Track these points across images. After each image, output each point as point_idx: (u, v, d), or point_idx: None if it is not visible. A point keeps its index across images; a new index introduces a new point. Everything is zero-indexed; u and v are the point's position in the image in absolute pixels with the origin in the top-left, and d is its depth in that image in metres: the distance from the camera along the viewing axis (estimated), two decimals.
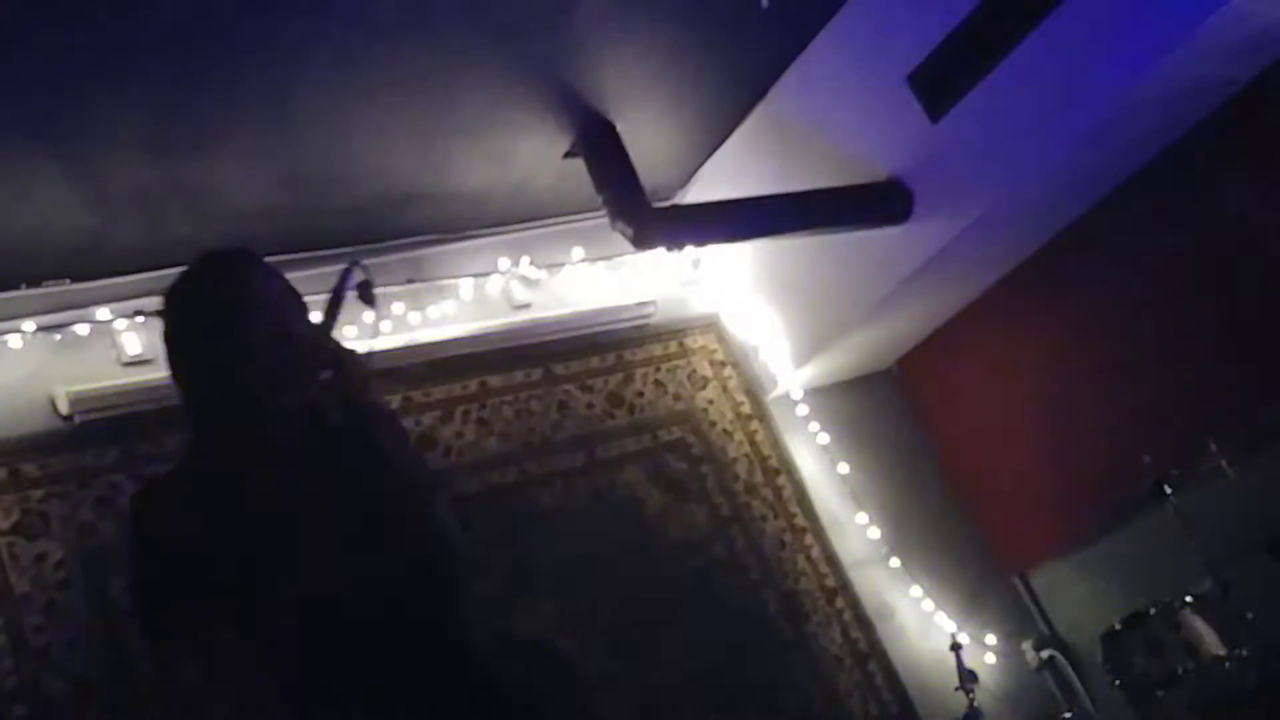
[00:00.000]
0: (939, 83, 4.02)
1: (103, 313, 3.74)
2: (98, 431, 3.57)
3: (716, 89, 4.33)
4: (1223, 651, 3.58)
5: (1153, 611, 3.67)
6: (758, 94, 4.47)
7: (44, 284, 3.67)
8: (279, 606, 1.87)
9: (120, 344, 3.74)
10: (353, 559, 1.90)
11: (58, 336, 3.67)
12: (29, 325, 3.63)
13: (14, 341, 3.61)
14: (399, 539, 1.91)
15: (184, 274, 2.10)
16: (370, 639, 1.86)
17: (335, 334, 2.09)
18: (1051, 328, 4.56)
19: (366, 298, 2.04)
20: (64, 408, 3.56)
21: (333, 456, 1.96)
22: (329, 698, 1.88)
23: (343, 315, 2.08)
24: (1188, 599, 3.65)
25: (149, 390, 3.65)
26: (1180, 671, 3.57)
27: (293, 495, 1.91)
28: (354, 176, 3.90)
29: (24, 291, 3.64)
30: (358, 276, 2.06)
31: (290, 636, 1.88)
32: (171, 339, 2.04)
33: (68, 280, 3.70)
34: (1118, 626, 3.73)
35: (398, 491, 1.93)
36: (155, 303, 3.71)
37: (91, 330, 3.72)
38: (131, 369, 3.72)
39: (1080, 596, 4.59)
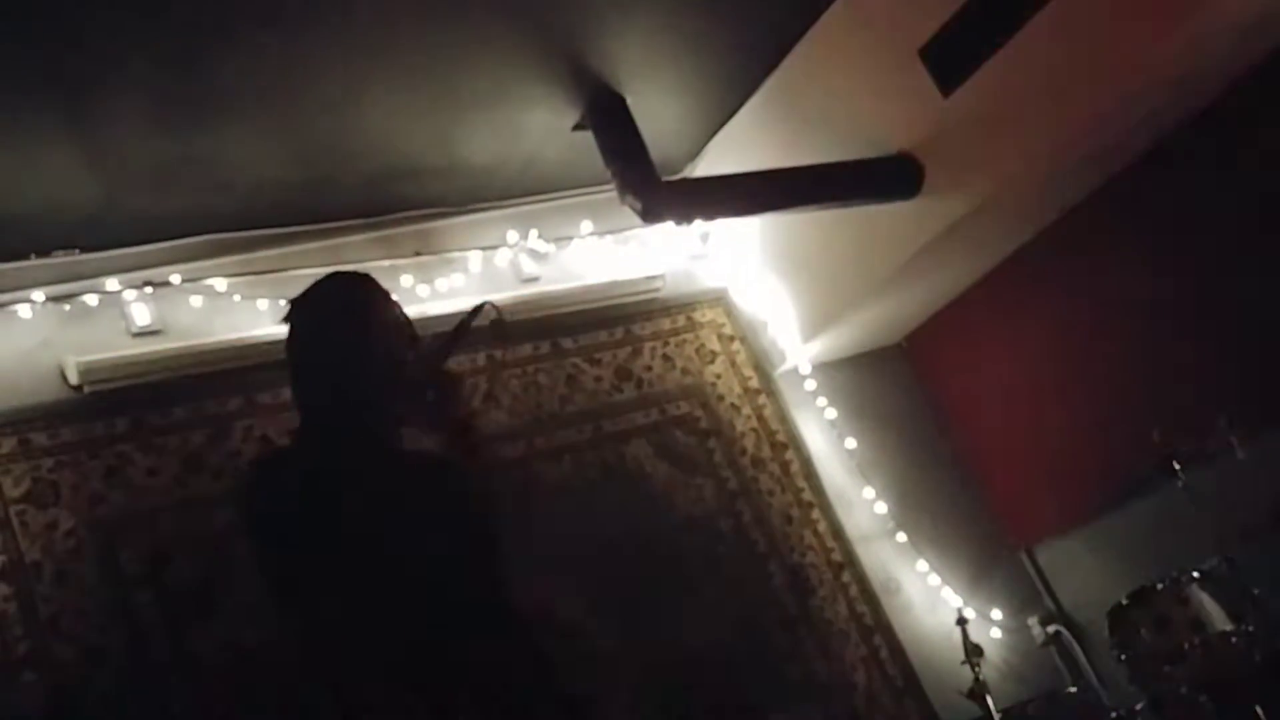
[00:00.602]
0: (951, 57, 4.00)
1: (112, 283, 3.75)
2: (107, 402, 3.58)
3: (727, 62, 4.31)
4: (1229, 627, 3.58)
5: (1159, 587, 3.66)
6: (768, 67, 4.45)
7: (54, 254, 3.68)
8: (364, 581, 2.00)
9: (130, 315, 3.76)
10: (424, 564, 2.04)
11: (67, 307, 3.68)
12: (39, 295, 3.64)
13: (24, 311, 3.62)
14: (465, 569, 2.08)
15: (315, 287, 2.27)
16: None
17: (446, 363, 2.24)
18: (1061, 304, 4.55)
19: (500, 334, 2.22)
20: (74, 378, 3.57)
21: (423, 477, 2.14)
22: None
23: (460, 347, 2.21)
24: (1195, 575, 3.65)
25: (158, 361, 3.68)
26: (1186, 647, 3.57)
27: (384, 499, 2.05)
28: (364, 148, 3.89)
29: (34, 261, 3.65)
30: (489, 315, 2.20)
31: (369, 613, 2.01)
32: (298, 346, 2.23)
33: (77, 250, 3.71)
34: (1124, 602, 3.73)
35: (468, 531, 2.09)
36: (168, 272, 3.79)
37: (101, 301, 3.73)
38: (141, 340, 3.73)
39: (1087, 572, 4.60)
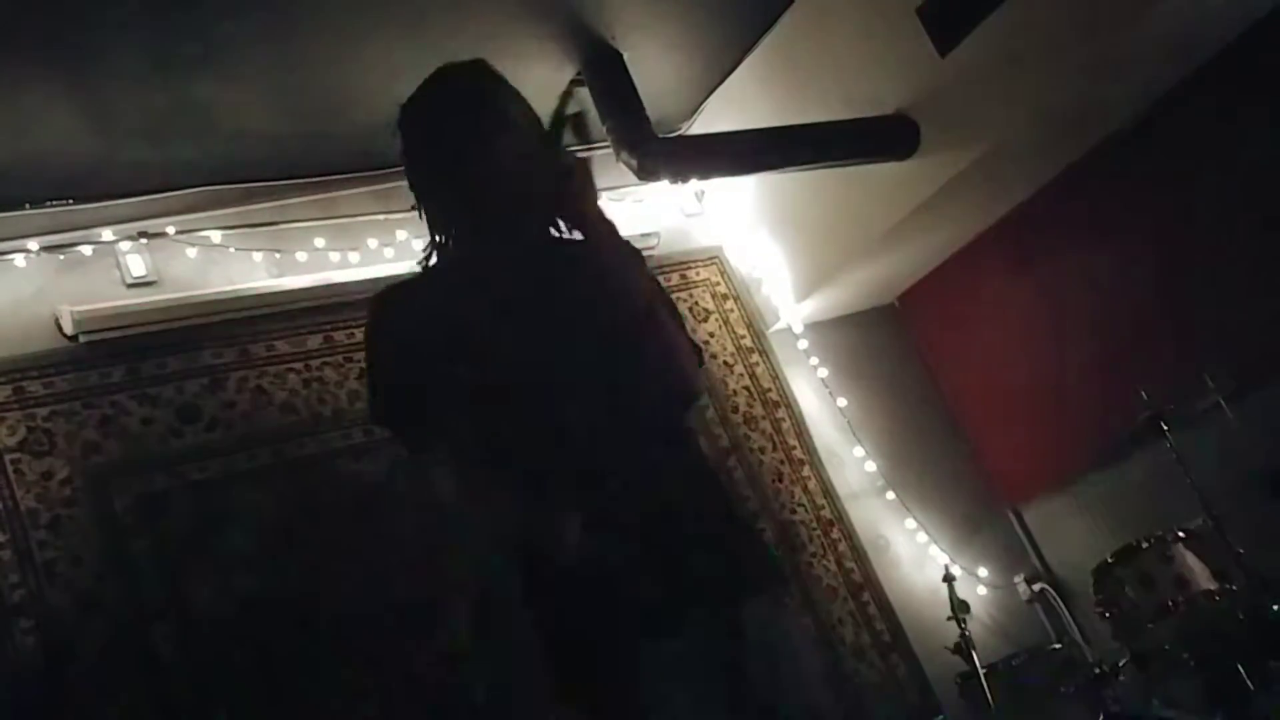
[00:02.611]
0: (948, 17, 3.99)
1: (107, 234, 3.75)
2: (102, 351, 3.59)
3: (725, 20, 4.29)
4: (1213, 586, 3.63)
5: (1144, 546, 3.71)
6: (766, 25, 4.43)
7: (48, 204, 3.67)
8: (520, 400, 1.82)
9: (125, 265, 3.76)
10: (586, 363, 1.85)
11: (62, 256, 3.68)
12: (34, 245, 3.63)
13: (19, 261, 3.62)
14: (629, 354, 1.85)
15: (436, 85, 1.99)
16: (598, 440, 1.83)
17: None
18: (1052, 265, 4.57)
19: (580, 130, 1.93)
20: (69, 327, 3.57)
21: (567, 270, 1.92)
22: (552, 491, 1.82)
23: (564, 129, 1.96)
24: (1180, 534, 3.69)
25: (153, 311, 3.68)
26: (1170, 605, 3.61)
27: (536, 303, 1.88)
28: (358, 101, 3.88)
29: (29, 211, 3.64)
30: (574, 106, 1.95)
31: (521, 432, 1.82)
32: (424, 148, 1.96)
33: (72, 200, 3.70)
34: (1109, 560, 3.77)
35: (624, 307, 1.87)
36: (163, 224, 3.77)
37: (96, 251, 3.73)
38: (136, 290, 3.74)
39: (1073, 531, 4.65)
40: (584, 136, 1.92)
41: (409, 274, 2.01)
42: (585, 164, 1.90)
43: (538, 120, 1.97)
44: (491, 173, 1.89)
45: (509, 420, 1.81)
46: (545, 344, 1.84)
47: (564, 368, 1.84)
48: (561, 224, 1.95)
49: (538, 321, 1.86)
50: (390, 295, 1.94)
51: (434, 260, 1.99)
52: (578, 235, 1.93)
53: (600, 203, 1.90)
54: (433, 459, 1.87)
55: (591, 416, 1.82)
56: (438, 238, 1.97)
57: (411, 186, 2.00)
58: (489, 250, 1.93)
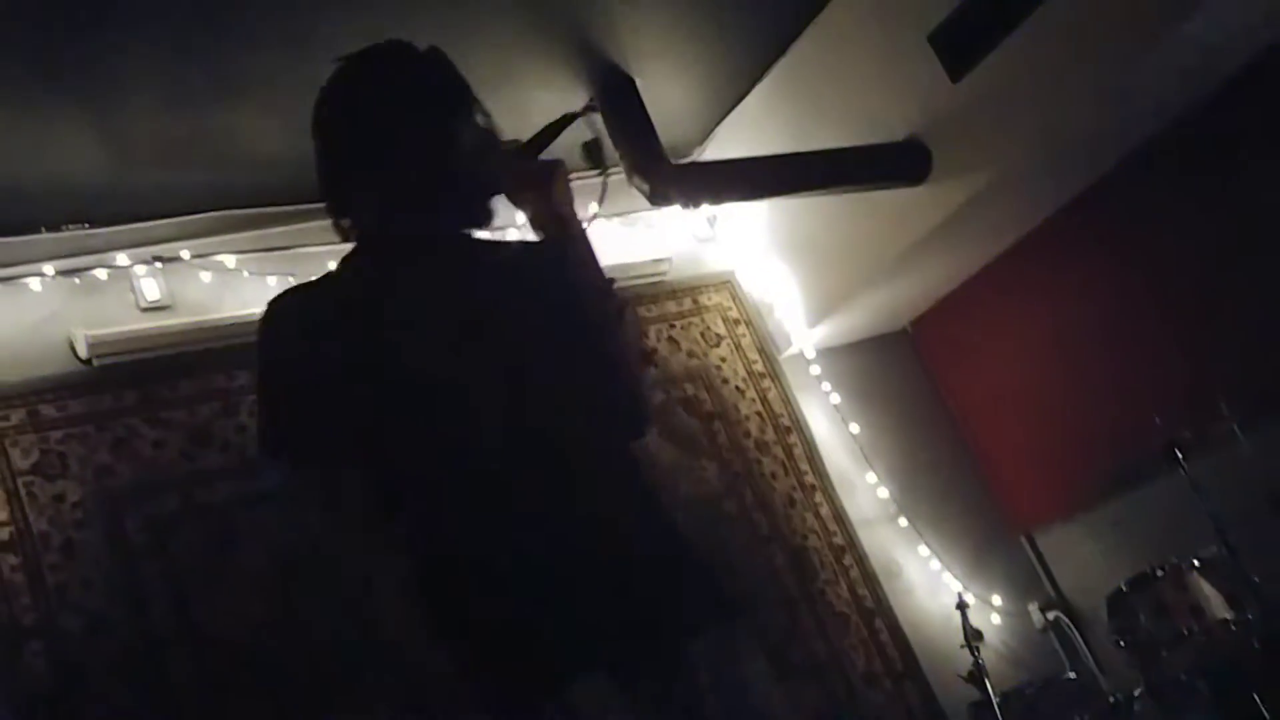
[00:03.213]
0: (960, 43, 4.00)
1: (122, 258, 3.77)
2: (116, 375, 3.60)
3: (737, 45, 4.31)
4: (1229, 614, 3.60)
5: (1159, 573, 3.68)
6: (778, 51, 4.45)
7: (64, 228, 3.69)
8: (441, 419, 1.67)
9: (139, 289, 3.78)
10: (536, 371, 1.72)
11: (77, 280, 3.70)
12: (49, 269, 3.66)
13: (34, 284, 3.64)
14: (583, 360, 1.75)
15: (392, 54, 1.86)
16: (545, 469, 1.68)
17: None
18: (1066, 291, 4.56)
19: (594, 157, 1.86)
20: (83, 351, 3.59)
21: (526, 266, 1.83)
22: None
23: (550, 144, 1.88)
24: (1195, 561, 3.67)
25: (166, 335, 3.70)
26: (1185, 634, 3.59)
27: (479, 294, 1.76)
28: None
29: (44, 235, 3.66)
30: (587, 129, 1.87)
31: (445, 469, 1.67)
32: (383, 114, 1.81)
33: (87, 225, 3.72)
34: (1124, 588, 3.75)
35: (584, 311, 1.76)
36: (177, 248, 3.80)
37: (110, 275, 3.75)
38: (150, 314, 3.76)
39: (1087, 558, 4.61)
40: (597, 162, 1.85)
41: (314, 280, 1.86)
42: (562, 166, 1.82)
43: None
44: (462, 141, 1.78)
45: (419, 440, 1.66)
46: (468, 353, 1.70)
47: (486, 381, 1.69)
48: (529, 223, 1.84)
49: (462, 327, 1.72)
50: (287, 302, 1.78)
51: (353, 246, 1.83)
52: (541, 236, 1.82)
53: (575, 207, 1.81)
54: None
55: (518, 435, 1.67)
56: (365, 215, 1.80)
57: (347, 148, 1.82)
58: (429, 234, 1.79)
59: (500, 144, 1.81)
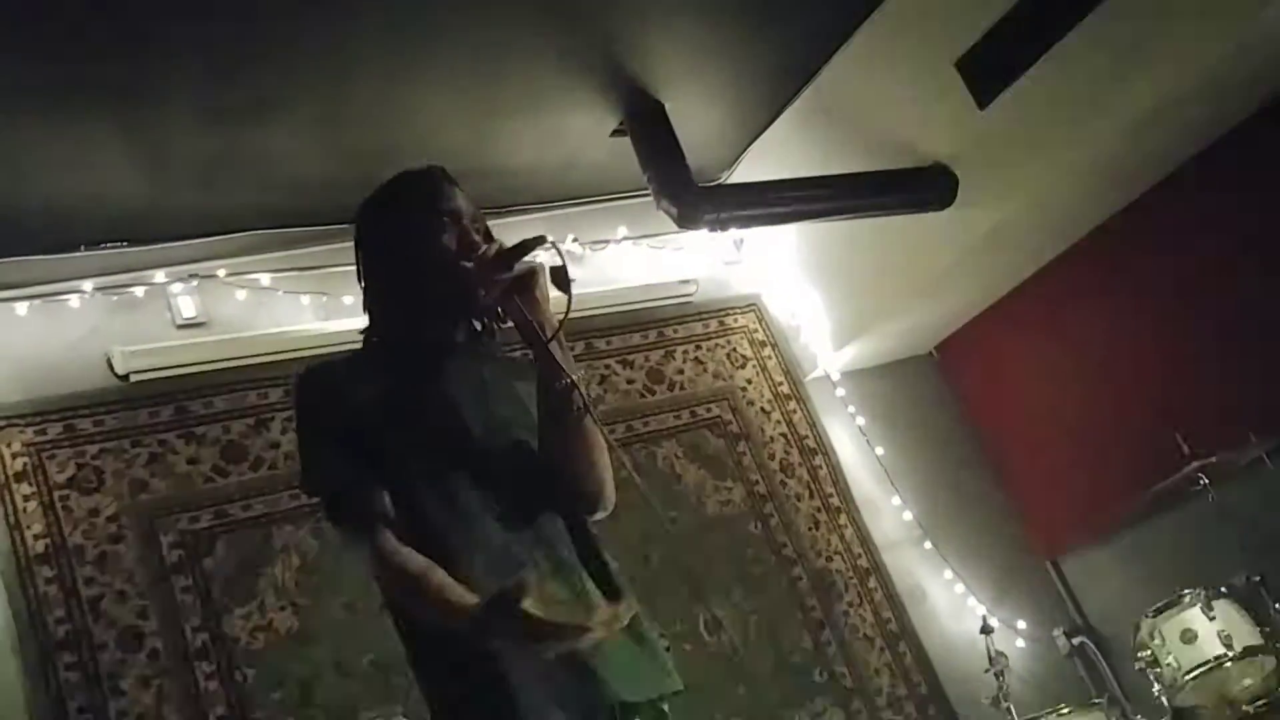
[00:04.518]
0: (987, 69, 4.02)
1: (159, 276, 3.83)
2: (152, 391, 3.66)
3: (766, 71, 4.35)
4: (1256, 642, 3.58)
5: (1186, 600, 3.67)
6: (806, 77, 4.49)
7: (102, 246, 3.75)
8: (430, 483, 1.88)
9: (176, 306, 3.84)
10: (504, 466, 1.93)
11: (115, 298, 3.77)
12: (88, 286, 3.73)
13: (73, 302, 3.71)
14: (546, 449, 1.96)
15: (396, 181, 2.10)
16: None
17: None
18: (1092, 317, 4.56)
19: (561, 282, 1.97)
20: (120, 367, 3.65)
21: (508, 370, 2.04)
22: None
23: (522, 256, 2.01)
24: (1222, 589, 3.66)
25: (202, 352, 3.76)
26: (1212, 661, 3.58)
27: (463, 395, 1.96)
28: (406, 148, 3.94)
29: (83, 253, 3.72)
30: (551, 258, 1.98)
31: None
32: (361, 245, 2.08)
33: (125, 243, 3.78)
34: (1150, 614, 3.74)
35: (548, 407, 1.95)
36: (213, 266, 3.86)
37: (147, 292, 3.81)
38: (186, 331, 3.82)
39: (1113, 584, 4.60)
40: (563, 287, 1.94)
41: (328, 357, 2.08)
42: (537, 272, 1.96)
43: (487, 230, 2.05)
44: (434, 268, 1.97)
45: (433, 494, 1.86)
46: (464, 429, 1.92)
47: (479, 453, 1.91)
48: (499, 325, 2.02)
49: (453, 407, 1.93)
50: (320, 372, 1.99)
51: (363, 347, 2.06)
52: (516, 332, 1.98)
53: (548, 311, 1.96)
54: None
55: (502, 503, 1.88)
56: (371, 327, 2.06)
57: (360, 277, 2.09)
58: (420, 340, 2.00)
59: (479, 258, 1.97)
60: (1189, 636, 3.65)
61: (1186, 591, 3.69)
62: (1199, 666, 3.60)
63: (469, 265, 1.95)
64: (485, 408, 1.97)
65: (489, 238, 2.03)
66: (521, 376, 2.04)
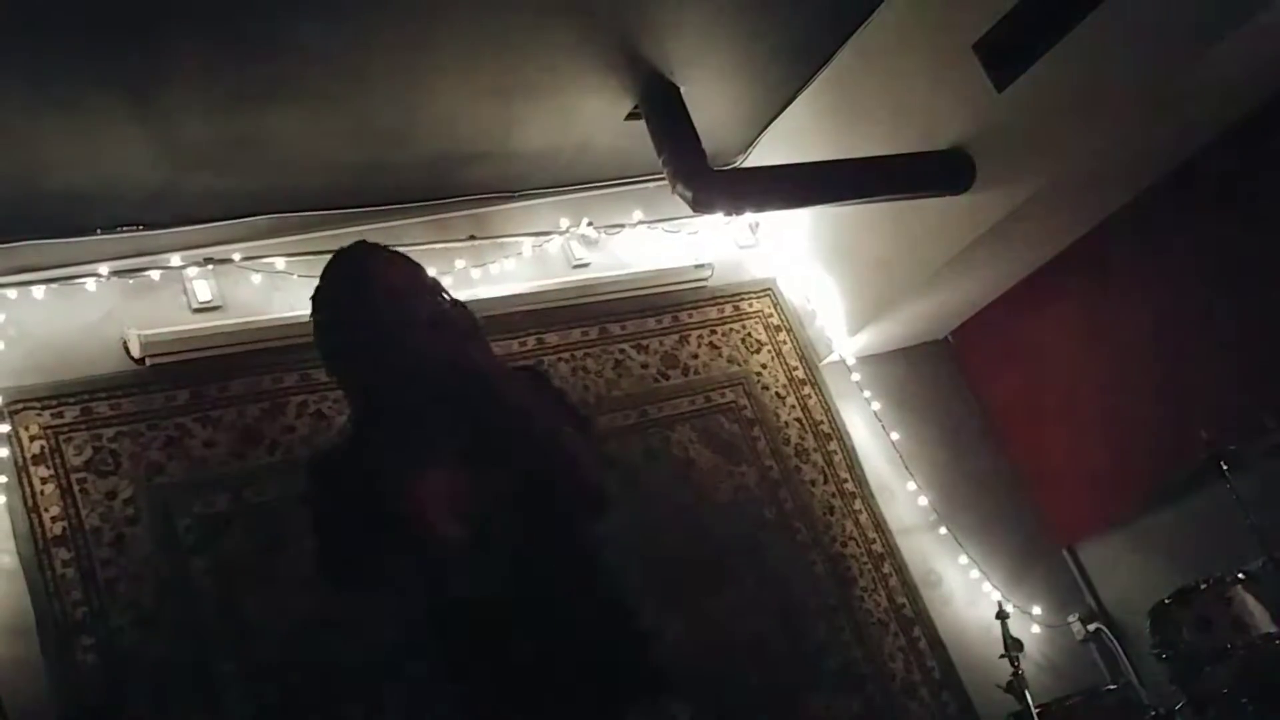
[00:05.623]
0: (1005, 52, 3.99)
1: (175, 259, 3.84)
2: (168, 374, 3.67)
3: (782, 54, 4.33)
4: (1272, 629, 3.57)
5: (1203, 587, 3.66)
6: (822, 60, 4.47)
7: (118, 230, 3.77)
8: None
9: (191, 290, 3.85)
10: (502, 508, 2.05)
11: (131, 281, 3.78)
12: (104, 270, 3.73)
13: (90, 285, 3.72)
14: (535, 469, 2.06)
15: (326, 276, 2.22)
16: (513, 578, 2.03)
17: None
18: (1109, 302, 4.54)
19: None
20: (136, 350, 3.66)
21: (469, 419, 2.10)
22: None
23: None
24: (1239, 576, 3.64)
25: (218, 336, 3.76)
26: (1229, 648, 3.56)
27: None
28: (421, 133, 3.95)
29: (100, 236, 3.74)
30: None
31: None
32: (315, 334, 2.19)
33: (141, 227, 3.80)
34: (1167, 601, 3.72)
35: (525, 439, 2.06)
36: (229, 250, 3.88)
37: (163, 276, 3.82)
38: (201, 315, 3.82)
39: (1129, 571, 4.59)
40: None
41: (331, 443, 2.28)
42: (472, 318, 2.09)
43: (425, 282, 2.15)
44: (379, 347, 2.06)
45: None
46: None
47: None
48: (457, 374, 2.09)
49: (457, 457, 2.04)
50: (325, 463, 2.17)
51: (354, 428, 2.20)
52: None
53: (487, 351, 2.11)
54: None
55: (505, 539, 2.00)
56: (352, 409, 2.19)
57: (340, 364, 2.21)
58: (392, 409, 2.09)
59: (426, 319, 2.08)
60: (1204, 623, 3.63)
61: (1203, 578, 3.67)
62: (1214, 653, 3.58)
63: (423, 330, 2.05)
64: None
65: (435, 291, 2.13)
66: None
